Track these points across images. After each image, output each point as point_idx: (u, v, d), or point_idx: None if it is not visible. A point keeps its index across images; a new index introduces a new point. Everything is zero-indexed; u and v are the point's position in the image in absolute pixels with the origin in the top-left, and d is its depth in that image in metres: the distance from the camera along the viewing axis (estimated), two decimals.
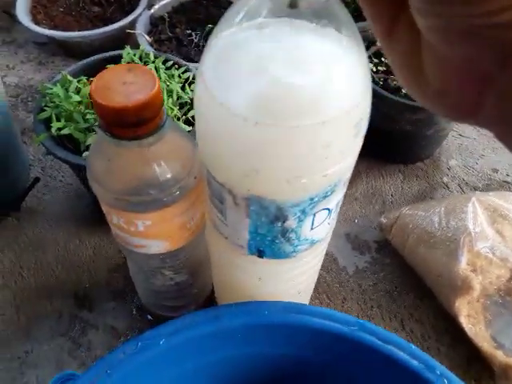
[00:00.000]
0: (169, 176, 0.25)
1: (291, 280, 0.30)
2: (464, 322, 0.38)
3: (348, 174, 0.24)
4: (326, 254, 0.47)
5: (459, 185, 0.52)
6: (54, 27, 0.62)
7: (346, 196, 0.53)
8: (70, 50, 0.64)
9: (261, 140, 0.20)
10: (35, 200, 0.51)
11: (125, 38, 0.62)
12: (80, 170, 0.41)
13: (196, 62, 0.55)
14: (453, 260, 0.39)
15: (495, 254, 0.37)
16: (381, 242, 0.48)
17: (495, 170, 0.53)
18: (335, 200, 0.24)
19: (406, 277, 0.45)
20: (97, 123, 0.39)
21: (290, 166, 0.20)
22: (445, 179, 0.52)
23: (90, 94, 0.21)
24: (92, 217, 0.49)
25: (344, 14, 0.18)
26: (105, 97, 0.21)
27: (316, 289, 0.44)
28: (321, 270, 0.46)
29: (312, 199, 0.22)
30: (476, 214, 0.40)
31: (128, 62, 0.43)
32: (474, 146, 0.56)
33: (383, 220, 0.46)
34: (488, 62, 0.11)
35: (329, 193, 0.23)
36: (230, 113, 0.19)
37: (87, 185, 0.44)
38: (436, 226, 0.41)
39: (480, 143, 0.56)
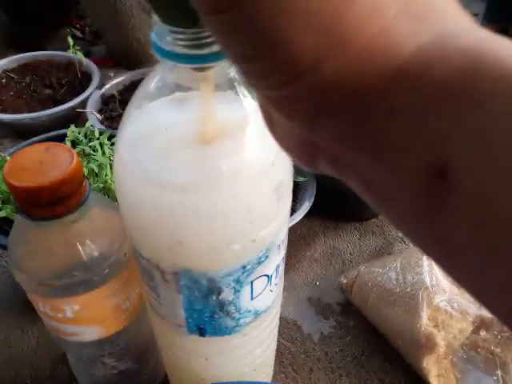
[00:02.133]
0: (95, 254, 0.23)
1: (242, 357, 0.28)
2: (435, 382, 0.36)
3: (281, 236, 0.23)
4: (289, 322, 0.45)
5: None
6: (3, 111, 0.62)
7: (305, 258, 0.52)
8: (19, 132, 0.63)
9: (182, 209, 0.19)
10: None
11: (75, 117, 0.63)
12: None
13: None
14: (414, 317, 0.37)
15: (454, 308, 0.36)
16: (344, 304, 0.46)
17: None
18: (272, 265, 0.23)
19: (372, 339, 0.43)
20: None
21: (214, 233, 0.19)
22: (400, 234, 0.52)
23: (2, 176, 0.20)
24: None
25: None
26: (19, 177, 0.20)
27: (280, 361, 0.42)
28: (284, 339, 0.44)
29: (244, 267, 0.21)
30: (431, 267, 0.40)
31: (72, 141, 0.43)
32: None
33: (343, 280, 0.45)
34: (298, 128, 0.12)
35: (263, 258, 0.22)
36: (148, 182, 0.19)
37: None
38: (394, 282, 0.40)
39: None
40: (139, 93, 0.20)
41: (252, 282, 0.22)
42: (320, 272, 0.49)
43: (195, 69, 0.16)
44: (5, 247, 0.36)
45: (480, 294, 0.10)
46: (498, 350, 0.34)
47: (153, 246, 0.21)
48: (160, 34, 0.16)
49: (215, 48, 0.16)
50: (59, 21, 0.88)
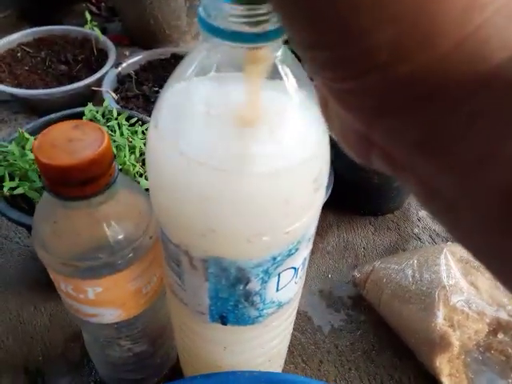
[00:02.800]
0: (121, 237, 0.23)
1: (260, 347, 0.28)
2: (446, 381, 0.36)
3: (312, 230, 0.22)
4: (300, 313, 0.45)
5: (430, 236, 0.51)
6: (18, 85, 0.61)
7: (318, 250, 0.51)
8: (33, 108, 0.63)
9: (218, 192, 0.18)
10: None
11: (91, 96, 0.62)
12: None
13: None
14: (429, 315, 0.37)
15: (471, 308, 0.36)
16: (355, 298, 0.46)
17: None
18: (301, 258, 0.23)
19: (383, 334, 0.43)
20: None
21: (249, 223, 0.19)
22: (416, 230, 0.52)
23: (32, 152, 0.20)
24: (48, 281, 0.45)
25: (296, 67, 0.18)
26: (49, 155, 0.20)
27: (290, 351, 0.42)
28: (295, 330, 0.43)
29: (275, 258, 0.21)
30: (449, 266, 0.39)
31: (90, 119, 0.42)
32: None
33: (357, 275, 0.45)
34: (356, 122, 0.11)
35: (293, 250, 0.21)
36: (187, 163, 0.18)
37: None
38: (410, 279, 0.40)
39: None
40: (181, 68, 0.19)
41: (279, 274, 0.22)
42: (332, 265, 0.49)
43: (246, 48, 0.15)
44: (21, 224, 0.36)
45: None
46: None
47: (184, 232, 0.20)
48: (210, 9, 0.15)
49: (270, 26, 0.15)
50: None
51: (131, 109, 0.56)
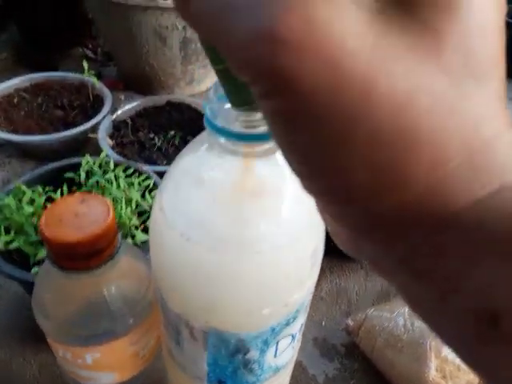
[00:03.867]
0: (121, 303, 0.23)
1: None
2: None
3: (309, 298, 0.23)
4: (295, 363, 0.44)
5: None
6: (14, 130, 0.62)
7: (312, 296, 0.52)
8: (28, 152, 0.63)
9: (220, 271, 0.19)
10: None
11: (86, 141, 0.63)
12: (27, 286, 0.38)
13: (158, 164, 0.55)
14: (422, 366, 0.37)
15: None
16: (349, 346, 0.46)
17: None
18: (298, 324, 0.23)
19: (376, 383, 0.43)
20: None
21: (249, 297, 0.20)
22: None
23: (39, 228, 0.20)
24: (39, 330, 0.45)
25: None
26: (56, 230, 0.20)
27: None
28: (290, 380, 0.43)
29: (274, 329, 0.21)
30: None
31: (86, 171, 0.43)
32: None
33: (350, 322, 0.45)
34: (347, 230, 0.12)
35: (291, 320, 0.22)
36: (189, 242, 0.19)
37: None
38: (402, 328, 0.41)
39: None
40: (185, 152, 0.20)
41: (278, 342, 0.22)
42: (326, 311, 0.49)
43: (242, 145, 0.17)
44: (14, 278, 0.36)
45: None
46: None
47: (185, 304, 0.21)
48: (215, 112, 0.17)
49: (265, 129, 0.16)
50: (72, 40, 0.89)
51: (126, 155, 0.57)
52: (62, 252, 0.20)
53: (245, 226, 0.19)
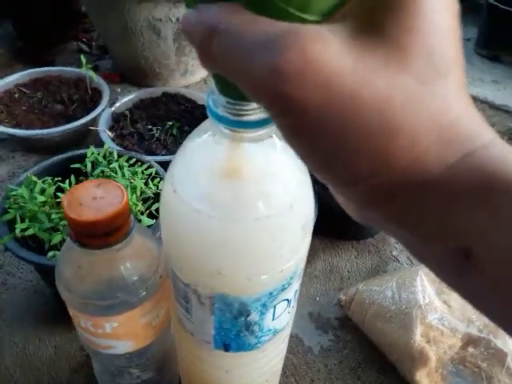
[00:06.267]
0: (136, 278, 0.26)
1: (258, 369, 0.31)
2: None
3: (302, 266, 0.26)
4: (292, 336, 0.48)
5: (408, 257, 0.56)
6: (17, 125, 0.64)
7: (306, 274, 0.55)
8: (31, 146, 0.66)
9: (224, 238, 0.22)
10: None
11: (86, 134, 0.65)
12: (43, 270, 0.41)
13: (157, 155, 0.58)
14: (408, 333, 0.41)
15: (445, 325, 0.40)
16: (342, 319, 0.49)
17: None
18: (293, 290, 0.26)
19: (368, 352, 0.46)
20: (61, 222, 0.40)
21: (249, 264, 0.23)
22: (394, 253, 0.56)
23: (63, 210, 0.23)
24: (52, 314, 0.48)
25: None
26: (77, 212, 0.23)
27: (283, 372, 0.45)
28: (287, 352, 0.47)
29: (271, 293, 0.24)
30: (424, 287, 0.43)
31: (92, 162, 0.46)
32: None
33: (342, 297, 0.49)
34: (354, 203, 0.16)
35: (286, 285, 0.25)
36: (200, 215, 0.22)
37: (48, 281, 0.44)
38: (390, 300, 0.44)
39: None
40: (191, 136, 0.23)
41: (275, 306, 0.25)
42: (320, 288, 0.53)
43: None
44: (31, 262, 0.39)
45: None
46: (485, 364, 0.38)
47: (194, 273, 0.24)
48: (216, 102, 0.19)
49: (259, 117, 0.19)
50: (66, 35, 0.91)
51: (126, 146, 0.60)
52: (83, 231, 0.23)
53: (236, 198, 0.22)
